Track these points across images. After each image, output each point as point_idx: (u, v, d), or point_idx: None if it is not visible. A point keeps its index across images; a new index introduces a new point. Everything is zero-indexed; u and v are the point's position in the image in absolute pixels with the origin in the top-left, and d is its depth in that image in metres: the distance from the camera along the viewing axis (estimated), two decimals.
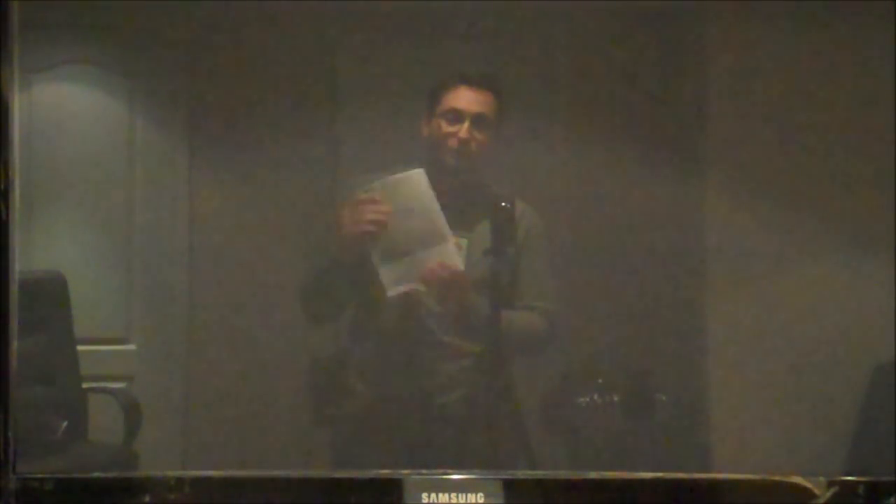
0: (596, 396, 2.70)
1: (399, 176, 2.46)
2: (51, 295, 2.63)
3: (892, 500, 1.92)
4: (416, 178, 2.45)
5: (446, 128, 2.49)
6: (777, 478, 1.94)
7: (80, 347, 2.68)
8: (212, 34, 2.80)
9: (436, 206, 2.44)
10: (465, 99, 2.51)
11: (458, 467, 1.97)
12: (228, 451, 2.69)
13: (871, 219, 2.68)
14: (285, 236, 2.75)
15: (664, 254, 2.83)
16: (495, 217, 2.41)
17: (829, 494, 1.91)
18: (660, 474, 1.97)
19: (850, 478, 1.94)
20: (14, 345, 1.88)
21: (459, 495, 1.89)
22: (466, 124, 2.49)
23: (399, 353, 2.50)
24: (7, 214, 1.88)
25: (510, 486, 1.91)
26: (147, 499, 1.91)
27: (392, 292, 2.44)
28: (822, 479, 1.92)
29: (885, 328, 2.50)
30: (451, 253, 2.44)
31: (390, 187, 2.44)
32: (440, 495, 1.89)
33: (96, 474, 1.98)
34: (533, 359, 2.59)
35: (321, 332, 2.58)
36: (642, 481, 1.96)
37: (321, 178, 2.79)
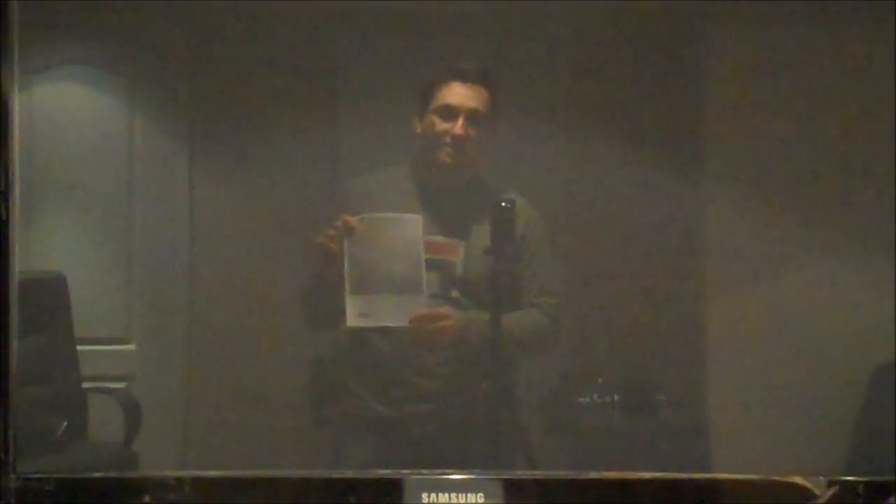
0: (596, 396, 2.71)
1: (395, 216, 2.44)
2: (51, 295, 2.63)
3: (892, 500, 1.92)
4: (412, 223, 2.43)
5: (440, 124, 2.47)
6: (777, 478, 1.94)
7: (80, 347, 2.68)
8: (212, 34, 2.80)
9: (422, 256, 2.42)
10: (459, 94, 2.47)
11: (458, 467, 1.97)
12: (228, 451, 2.69)
13: (871, 219, 2.68)
14: (285, 236, 2.75)
15: (664, 254, 2.83)
16: (495, 217, 2.40)
17: (829, 494, 1.91)
18: (660, 474, 1.97)
19: (850, 478, 1.94)
20: (14, 345, 1.88)
21: (459, 495, 1.89)
22: (461, 120, 2.46)
23: (397, 354, 2.50)
24: (7, 214, 1.88)
25: (510, 486, 1.91)
26: (147, 499, 1.91)
27: (351, 323, 2.43)
28: (822, 479, 1.92)
29: (885, 328, 2.50)
30: (423, 304, 2.43)
31: (383, 224, 2.43)
32: (440, 495, 1.89)
33: (96, 474, 1.98)
34: (536, 357, 2.59)
35: (324, 333, 2.58)
36: (642, 481, 1.96)
37: (321, 177, 2.79)
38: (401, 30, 2.79)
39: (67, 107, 2.84)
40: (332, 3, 2.79)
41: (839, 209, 2.75)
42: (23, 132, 1.95)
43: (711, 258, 2.85)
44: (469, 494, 1.89)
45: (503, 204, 2.40)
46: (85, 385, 2.70)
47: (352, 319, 2.42)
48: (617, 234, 2.80)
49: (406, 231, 2.42)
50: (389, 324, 2.43)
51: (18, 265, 1.90)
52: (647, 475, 1.96)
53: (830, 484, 1.91)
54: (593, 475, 1.97)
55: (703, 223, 2.86)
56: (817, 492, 1.91)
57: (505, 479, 1.92)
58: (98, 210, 2.86)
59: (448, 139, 2.46)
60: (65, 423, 2.59)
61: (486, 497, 1.89)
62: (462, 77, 2.48)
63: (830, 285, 2.74)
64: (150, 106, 2.86)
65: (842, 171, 2.76)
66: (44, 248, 2.74)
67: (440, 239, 2.47)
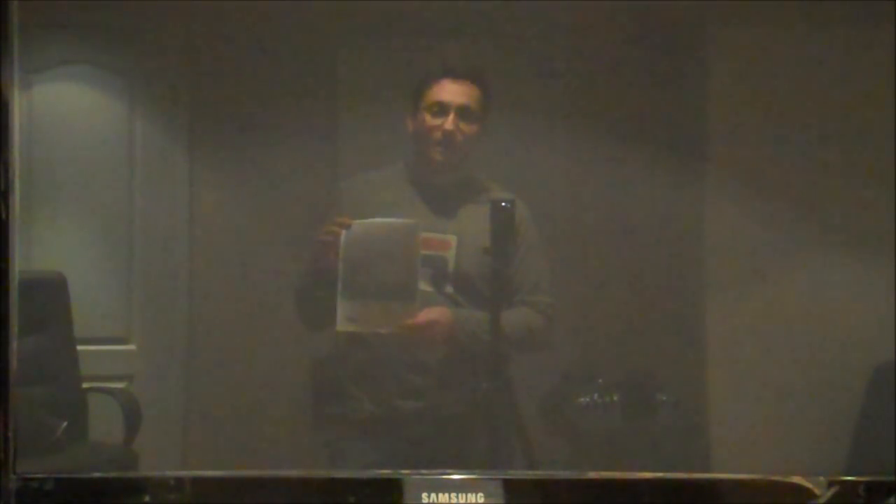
0: (596, 396, 2.70)
1: (392, 221, 2.44)
2: (51, 295, 2.62)
3: (892, 500, 1.92)
4: (410, 231, 2.43)
5: (431, 121, 2.49)
6: (777, 478, 1.94)
7: (80, 347, 2.68)
8: (212, 34, 2.80)
9: (418, 266, 2.42)
10: (449, 91, 2.50)
11: (458, 467, 1.97)
12: (228, 451, 2.69)
13: (871, 219, 2.68)
14: (285, 236, 2.75)
15: (663, 253, 2.83)
16: (495, 217, 2.40)
17: (829, 494, 1.91)
18: (660, 474, 1.97)
19: (850, 478, 1.94)
20: (14, 345, 1.88)
21: (459, 495, 1.89)
22: (451, 116, 2.48)
23: (392, 354, 2.50)
24: (7, 214, 1.88)
25: (510, 486, 1.91)
26: (147, 499, 1.91)
27: (342, 327, 2.43)
28: (822, 479, 1.92)
29: (885, 328, 2.50)
30: (414, 312, 2.43)
31: (380, 229, 2.43)
32: (440, 495, 1.89)
33: (96, 474, 1.98)
34: (532, 355, 2.59)
35: (319, 333, 2.58)
36: (642, 481, 1.96)
37: (321, 177, 2.79)
38: (398, 29, 2.79)
39: (67, 107, 2.84)
40: (332, 3, 2.79)
41: (839, 209, 2.75)
42: (23, 132, 1.95)
43: (711, 258, 2.85)
44: (469, 494, 1.89)
45: (503, 204, 2.41)
46: (85, 385, 2.70)
47: (341, 323, 2.42)
48: (614, 233, 2.80)
49: (403, 237, 2.42)
50: (378, 330, 2.43)
51: (18, 265, 1.90)
52: (647, 475, 1.96)
53: (830, 484, 1.92)
54: (593, 475, 1.97)
55: (702, 222, 2.86)
56: (817, 492, 1.91)
57: (505, 479, 1.92)
58: (98, 210, 2.85)
59: (439, 135, 2.48)
60: (65, 423, 2.59)
61: (486, 497, 1.89)
62: (453, 74, 2.51)
63: (830, 285, 2.74)
64: (150, 106, 2.86)
65: (842, 171, 2.76)
66: (44, 248, 2.73)
67: (432, 235, 2.48)
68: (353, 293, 2.41)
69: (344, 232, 2.40)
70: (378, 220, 2.43)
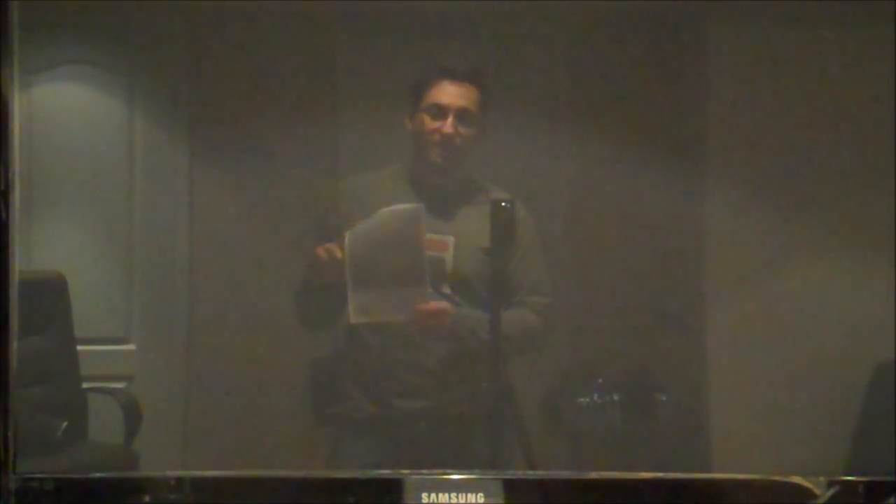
0: (596, 396, 2.70)
1: (398, 209, 2.44)
2: (51, 295, 2.62)
3: (893, 500, 1.92)
4: (414, 216, 2.43)
5: (430, 123, 2.49)
6: (777, 478, 1.94)
7: (80, 347, 2.68)
8: (212, 34, 2.80)
9: (424, 249, 2.42)
10: (448, 93, 2.50)
11: (458, 467, 1.97)
12: (228, 451, 2.69)
13: (871, 219, 2.68)
14: (285, 236, 2.75)
15: (663, 253, 2.83)
16: (495, 217, 2.40)
17: (829, 494, 1.91)
18: (660, 474, 1.97)
19: (850, 478, 1.94)
20: (14, 345, 1.88)
21: (459, 495, 1.89)
22: (450, 119, 2.48)
23: (389, 353, 2.50)
24: (7, 214, 1.88)
25: (510, 486, 1.92)
26: (147, 499, 1.92)
27: (355, 319, 2.43)
28: (822, 479, 1.92)
29: (885, 328, 2.50)
30: (426, 297, 2.43)
31: (386, 218, 2.43)
32: (440, 495, 1.89)
33: (96, 474, 1.98)
34: (531, 356, 2.59)
35: (320, 333, 2.58)
36: (642, 481, 1.96)
37: (320, 177, 2.79)
38: (398, 29, 2.79)
39: (67, 107, 2.84)
40: (332, 3, 2.79)
41: (839, 209, 2.75)
42: (23, 132, 1.95)
43: (711, 258, 2.84)
44: (469, 494, 1.89)
45: (503, 204, 2.41)
46: (85, 385, 2.70)
47: (355, 315, 2.42)
48: (613, 234, 2.80)
49: (406, 222, 2.43)
50: (391, 318, 2.44)
51: (18, 265, 1.90)
52: (647, 475, 1.96)
53: (830, 484, 1.92)
54: (593, 475, 1.97)
55: (702, 222, 2.86)
56: (817, 492, 1.92)
57: (505, 479, 1.92)
58: (98, 210, 2.85)
59: (437, 137, 2.48)
60: (65, 423, 2.59)
61: (486, 497, 1.89)
62: (452, 76, 2.51)
63: (830, 285, 2.74)
64: (150, 106, 2.86)
65: (842, 171, 2.75)
66: (44, 248, 2.73)
67: (430, 235, 2.48)
68: (364, 284, 2.41)
69: (348, 234, 2.41)
70: (380, 211, 2.44)
